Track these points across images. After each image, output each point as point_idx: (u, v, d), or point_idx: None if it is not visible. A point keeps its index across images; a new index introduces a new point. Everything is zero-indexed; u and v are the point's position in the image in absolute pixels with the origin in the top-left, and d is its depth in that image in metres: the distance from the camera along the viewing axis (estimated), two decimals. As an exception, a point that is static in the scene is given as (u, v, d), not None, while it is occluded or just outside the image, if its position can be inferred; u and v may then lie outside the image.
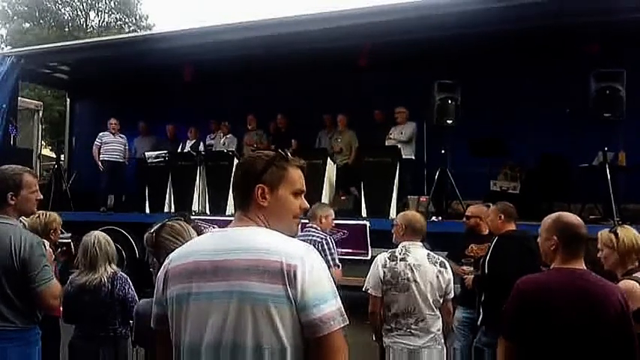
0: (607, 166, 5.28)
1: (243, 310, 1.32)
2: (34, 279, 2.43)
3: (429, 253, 3.08)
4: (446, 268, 3.06)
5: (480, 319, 3.45)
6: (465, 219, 4.10)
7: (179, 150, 8.15)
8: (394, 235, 3.20)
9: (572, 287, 2.00)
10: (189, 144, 8.28)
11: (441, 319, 3.06)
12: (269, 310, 1.31)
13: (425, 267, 3.00)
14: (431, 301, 2.98)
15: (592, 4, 5.63)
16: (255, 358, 1.31)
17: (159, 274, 1.47)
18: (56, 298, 2.55)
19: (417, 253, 3.04)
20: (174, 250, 1.53)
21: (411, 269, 2.98)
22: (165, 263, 1.47)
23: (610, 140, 5.50)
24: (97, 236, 3.20)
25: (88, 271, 3.11)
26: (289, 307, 1.32)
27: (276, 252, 1.35)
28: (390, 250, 3.11)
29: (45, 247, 2.63)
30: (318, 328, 1.32)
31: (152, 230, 2.11)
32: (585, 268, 2.09)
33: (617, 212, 5.09)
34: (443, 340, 3.08)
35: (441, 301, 3.04)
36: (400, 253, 3.04)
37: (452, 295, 3.09)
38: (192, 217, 3.36)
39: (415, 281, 2.96)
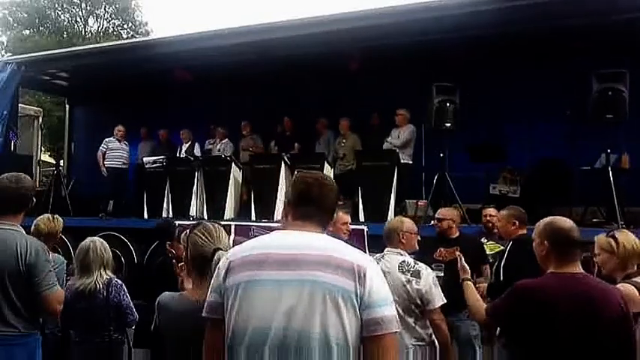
0: (610, 168, 5.20)
1: (315, 297, 1.40)
2: (41, 283, 2.49)
3: (403, 261, 2.95)
4: (419, 277, 2.89)
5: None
6: (436, 222, 4.03)
7: (177, 154, 8.14)
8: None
9: (573, 291, 1.98)
10: (184, 147, 8.27)
11: (420, 331, 2.91)
12: (338, 301, 1.40)
13: (392, 276, 2.87)
14: (400, 309, 2.78)
15: (593, 4, 5.58)
16: (321, 345, 1.38)
17: (220, 264, 1.55)
18: (60, 302, 2.61)
19: (390, 259, 2.95)
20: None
21: None
22: (227, 255, 1.57)
23: (613, 142, 5.42)
24: (94, 241, 3.22)
25: (82, 275, 3.12)
26: (355, 303, 1.41)
27: (348, 254, 1.48)
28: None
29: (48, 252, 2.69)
30: (379, 326, 1.42)
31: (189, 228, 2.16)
32: (584, 271, 2.08)
33: (621, 215, 5.00)
34: (425, 355, 2.92)
35: (418, 311, 2.90)
36: (375, 259, 2.93)
37: (432, 306, 2.89)
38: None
39: None
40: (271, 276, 1.44)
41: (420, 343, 2.90)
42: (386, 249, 3.04)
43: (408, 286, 2.87)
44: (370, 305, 1.42)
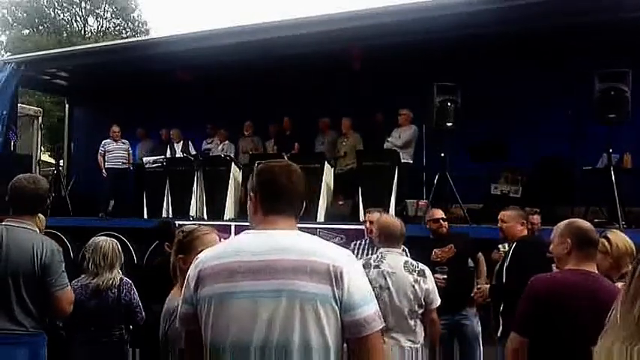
0: (612, 168, 5.16)
1: (292, 308, 1.34)
2: (54, 283, 2.55)
3: (407, 261, 2.95)
4: (425, 277, 2.91)
5: (500, 330, 3.28)
6: (433, 223, 4.02)
7: (169, 154, 8.12)
8: (375, 240, 3.13)
9: (585, 288, 2.04)
10: (177, 147, 8.25)
11: (418, 333, 2.90)
12: (317, 309, 1.34)
13: (399, 275, 2.86)
14: (405, 311, 2.83)
15: (595, 2, 5.55)
16: (302, 356, 1.34)
17: (190, 273, 1.46)
18: (71, 303, 2.67)
19: (393, 260, 2.91)
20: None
21: (384, 277, 2.85)
22: (196, 262, 1.46)
23: (615, 142, 5.38)
24: (112, 240, 3.30)
25: (106, 272, 3.15)
26: (335, 307, 1.36)
27: (322, 255, 1.39)
28: (365, 257, 3.03)
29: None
30: (362, 328, 1.37)
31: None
32: (597, 272, 2.16)
33: (622, 215, 4.97)
34: (420, 356, 2.90)
35: (420, 312, 2.89)
36: (375, 260, 2.93)
37: (435, 305, 2.94)
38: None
39: (388, 289, 2.82)
40: (245, 287, 1.37)
41: (415, 345, 2.89)
42: (384, 249, 2.98)
43: (416, 286, 2.86)
44: (351, 307, 1.37)
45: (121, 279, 3.20)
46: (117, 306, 3.14)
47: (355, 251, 3.87)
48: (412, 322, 2.87)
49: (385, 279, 2.84)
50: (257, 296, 1.36)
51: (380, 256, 2.95)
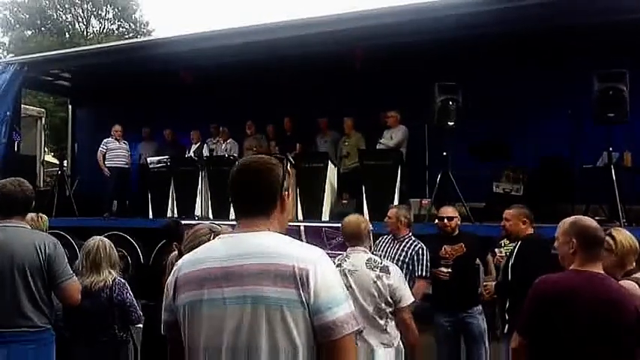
0: (612, 166, 5.22)
1: (258, 314, 1.32)
2: (61, 274, 2.65)
3: (369, 258, 2.90)
4: (388, 273, 2.83)
5: (507, 327, 3.32)
6: (445, 220, 4.04)
7: (186, 154, 8.16)
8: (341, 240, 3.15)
9: (591, 290, 2.01)
10: (193, 148, 8.29)
11: (391, 333, 2.85)
12: (283, 314, 1.32)
13: (360, 272, 2.82)
14: (370, 310, 2.78)
15: (594, 4, 5.61)
16: (270, 358, 1.32)
17: (168, 280, 1.47)
18: (79, 291, 2.75)
19: (355, 258, 2.89)
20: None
21: (345, 275, 2.80)
22: (174, 270, 1.47)
23: (615, 141, 5.44)
24: (102, 240, 3.27)
25: (92, 273, 3.14)
26: (302, 311, 1.32)
27: (288, 256, 1.35)
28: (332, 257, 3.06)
29: None
30: (331, 331, 1.32)
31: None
32: (604, 272, 2.12)
33: (623, 213, 5.03)
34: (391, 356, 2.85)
35: (389, 310, 2.82)
36: (338, 259, 2.91)
37: (404, 304, 2.84)
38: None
39: (350, 287, 2.76)
40: (213, 294, 1.37)
41: (388, 348, 2.83)
42: (349, 248, 2.97)
43: (378, 282, 2.80)
44: (320, 310, 1.32)
45: (114, 279, 3.16)
46: (109, 307, 3.12)
47: (381, 245, 3.94)
48: (382, 322, 2.82)
49: (347, 277, 2.79)
50: (224, 303, 1.35)
51: (344, 255, 2.93)
